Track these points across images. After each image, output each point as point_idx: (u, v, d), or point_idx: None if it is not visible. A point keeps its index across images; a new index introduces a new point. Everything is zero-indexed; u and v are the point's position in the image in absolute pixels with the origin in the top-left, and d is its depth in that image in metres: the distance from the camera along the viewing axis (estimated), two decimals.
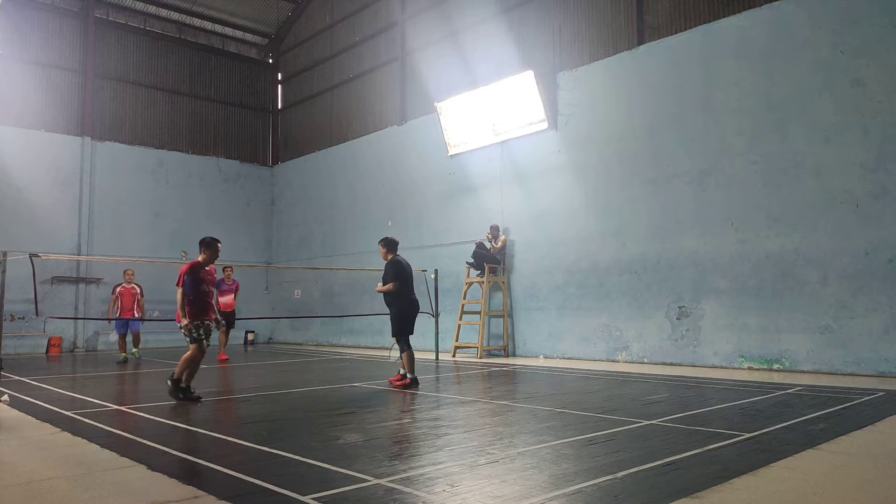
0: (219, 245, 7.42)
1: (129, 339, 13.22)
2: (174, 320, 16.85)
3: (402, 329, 8.44)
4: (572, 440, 4.91)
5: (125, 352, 12.91)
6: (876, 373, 8.85)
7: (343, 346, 17.49)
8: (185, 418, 6.16)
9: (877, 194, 9.04)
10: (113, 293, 13.10)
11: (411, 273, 8.71)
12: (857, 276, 9.13)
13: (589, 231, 12.40)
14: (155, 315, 17.37)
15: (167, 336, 17.97)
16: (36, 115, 16.86)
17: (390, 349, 8.47)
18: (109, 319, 12.69)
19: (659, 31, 11.75)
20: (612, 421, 5.75)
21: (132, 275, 13.05)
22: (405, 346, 8.43)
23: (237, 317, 13.87)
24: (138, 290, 13.00)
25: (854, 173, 9.26)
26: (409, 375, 8.34)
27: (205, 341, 7.28)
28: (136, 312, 12.75)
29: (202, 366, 12.06)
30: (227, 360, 12.93)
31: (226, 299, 13.43)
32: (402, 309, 8.45)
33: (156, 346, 17.41)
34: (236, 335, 19.65)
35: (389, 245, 8.70)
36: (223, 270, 13.76)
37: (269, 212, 21.25)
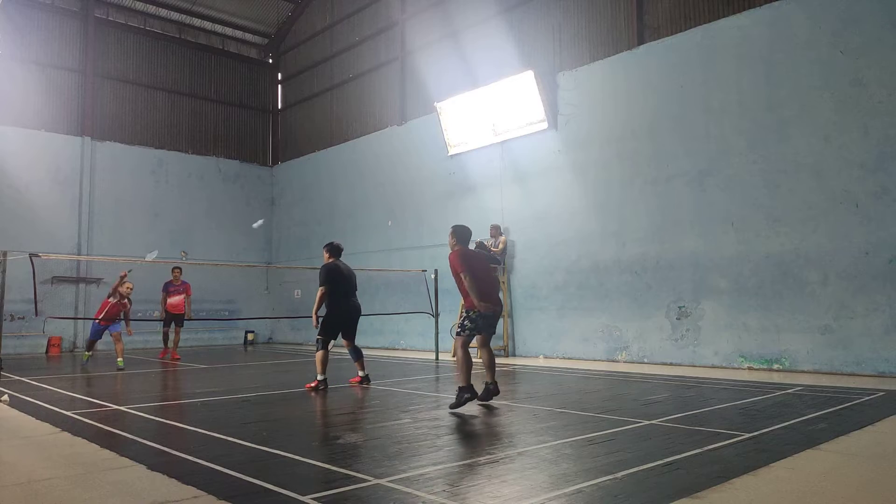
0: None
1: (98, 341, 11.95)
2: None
3: (324, 330, 8.36)
4: (572, 440, 4.91)
5: (89, 352, 11.96)
6: (876, 373, 8.85)
7: (342, 347, 17.44)
8: (185, 418, 6.16)
9: (877, 194, 9.04)
10: (110, 296, 11.62)
11: (349, 277, 8.58)
12: (857, 277, 9.13)
13: (589, 231, 12.39)
14: (155, 315, 17.37)
15: None
16: (36, 115, 16.86)
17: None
18: (97, 319, 11.58)
19: (659, 31, 11.75)
20: (612, 421, 5.75)
21: (129, 289, 11.63)
22: (320, 346, 8.30)
23: (186, 318, 14.05)
24: (128, 306, 11.66)
25: (854, 173, 9.26)
26: (318, 377, 8.21)
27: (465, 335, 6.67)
28: (119, 319, 11.59)
29: (202, 366, 12.21)
30: (178, 359, 13.34)
31: (174, 300, 13.75)
32: (330, 311, 8.40)
33: (156, 346, 17.40)
34: (237, 335, 19.71)
35: (332, 250, 8.68)
36: (172, 272, 13.90)
37: (269, 212, 21.25)
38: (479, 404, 6.60)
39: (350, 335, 8.70)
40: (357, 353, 8.72)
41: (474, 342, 6.79)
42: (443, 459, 4.34)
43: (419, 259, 15.29)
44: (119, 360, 11.39)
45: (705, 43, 10.97)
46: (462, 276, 6.50)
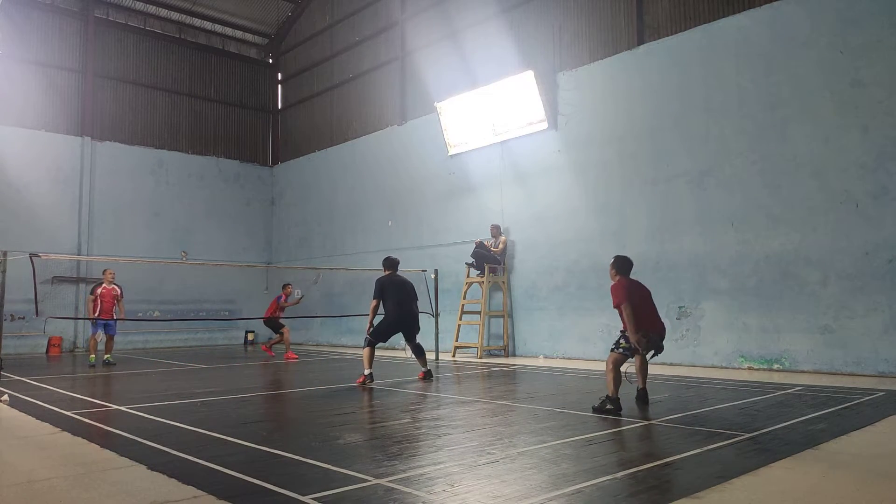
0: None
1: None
2: (174, 320, 16.97)
3: (373, 331, 9.02)
4: (572, 440, 4.91)
5: (95, 353, 12.18)
6: (876, 373, 8.85)
7: (343, 346, 17.48)
8: (185, 418, 6.15)
9: (877, 194, 9.04)
10: (92, 293, 12.35)
11: (402, 288, 9.25)
12: (857, 276, 9.13)
13: (589, 231, 12.39)
14: (155, 315, 17.38)
15: (166, 336, 18.01)
16: (36, 115, 16.86)
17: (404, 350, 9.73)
18: (93, 319, 12.09)
19: (659, 31, 11.74)
20: (612, 421, 5.75)
21: (113, 275, 12.47)
22: (365, 344, 9.00)
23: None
24: (119, 291, 12.42)
25: (854, 173, 9.26)
26: (364, 371, 8.79)
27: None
28: (114, 314, 12.24)
29: (202, 366, 12.21)
30: (295, 358, 13.87)
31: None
32: (384, 318, 9.18)
33: (156, 346, 17.42)
34: (237, 335, 19.71)
35: (387, 265, 9.51)
36: (285, 288, 14.59)
37: (269, 212, 21.25)
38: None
39: (409, 337, 9.31)
40: (418, 351, 9.37)
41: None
42: (443, 459, 4.34)
43: (419, 259, 15.28)
44: (107, 355, 12.30)
45: (705, 43, 10.97)
46: (622, 307, 6.45)
